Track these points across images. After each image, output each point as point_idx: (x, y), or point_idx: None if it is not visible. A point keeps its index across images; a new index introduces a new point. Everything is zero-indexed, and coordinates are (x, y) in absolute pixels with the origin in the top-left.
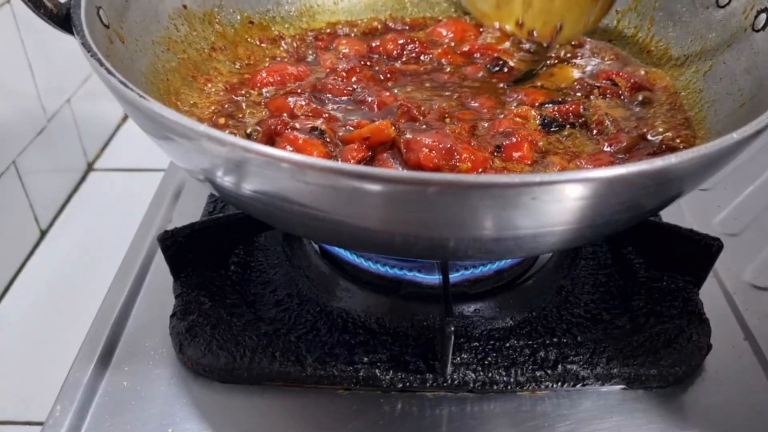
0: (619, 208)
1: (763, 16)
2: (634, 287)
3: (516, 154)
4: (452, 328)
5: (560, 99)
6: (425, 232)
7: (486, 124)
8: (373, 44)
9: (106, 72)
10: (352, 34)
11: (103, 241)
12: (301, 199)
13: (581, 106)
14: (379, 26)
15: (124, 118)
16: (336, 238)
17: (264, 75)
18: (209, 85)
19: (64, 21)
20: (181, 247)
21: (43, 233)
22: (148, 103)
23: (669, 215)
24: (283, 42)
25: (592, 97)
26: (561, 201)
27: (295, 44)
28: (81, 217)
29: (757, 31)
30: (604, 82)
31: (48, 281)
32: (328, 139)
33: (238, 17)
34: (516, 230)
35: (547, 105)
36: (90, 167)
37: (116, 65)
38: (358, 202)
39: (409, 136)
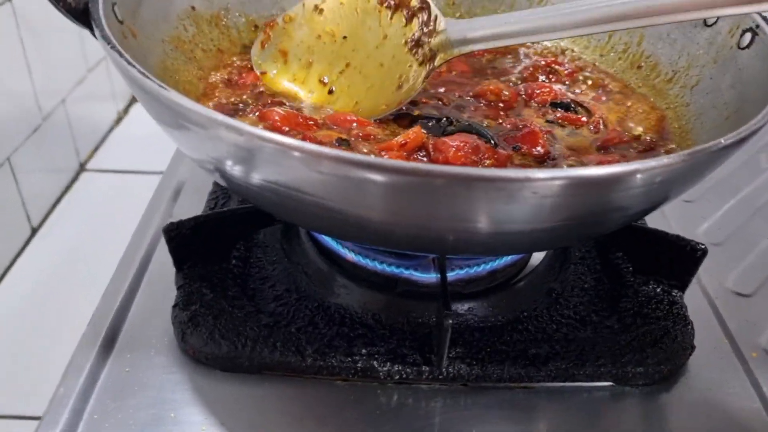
0: (612, 206)
1: (748, 35)
2: (621, 290)
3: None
4: (450, 321)
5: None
6: (428, 224)
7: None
8: None
9: (126, 63)
10: None
11: (93, 240)
12: (311, 189)
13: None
14: None
15: (117, 121)
16: (340, 229)
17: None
18: (215, 91)
19: (81, 14)
20: (184, 239)
21: (34, 231)
22: (168, 93)
23: (655, 224)
24: None
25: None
26: (561, 196)
27: None
28: (72, 217)
29: (742, 48)
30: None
31: (38, 279)
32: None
33: (243, 20)
34: (514, 225)
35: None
36: (82, 167)
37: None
38: (368, 192)
39: (437, 138)
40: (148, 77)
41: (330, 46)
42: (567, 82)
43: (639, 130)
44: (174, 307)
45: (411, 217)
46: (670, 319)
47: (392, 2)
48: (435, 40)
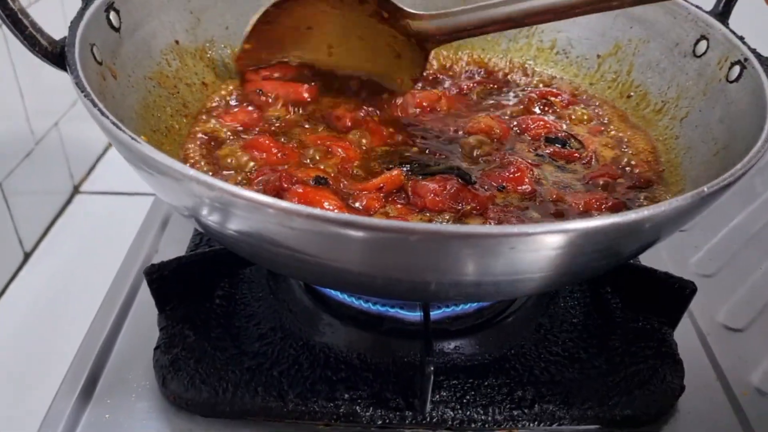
0: (595, 256)
1: (737, 68)
2: (610, 327)
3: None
4: (432, 368)
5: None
6: (407, 277)
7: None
8: None
9: (99, 113)
10: None
11: (88, 265)
12: (286, 243)
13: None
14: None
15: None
16: (320, 278)
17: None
18: (197, 126)
19: (58, 58)
20: (166, 281)
21: (27, 256)
22: (140, 146)
23: (647, 255)
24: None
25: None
26: (539, 251)
27: None
28: (66, 240)
29: (731, 82)
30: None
31: (31, 305)
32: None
33: (229, 52)
34: (495, 276)
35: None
36: (76, 190)
37: (108, 102)
38: (343, 247)
39: (416, 181)
40: (120, 128)
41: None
42: (561, 113)
43: (631, 163)
44: (156, 349)
45: (388, 270)
46: (659, 358)
47: None
48: (414, 23)
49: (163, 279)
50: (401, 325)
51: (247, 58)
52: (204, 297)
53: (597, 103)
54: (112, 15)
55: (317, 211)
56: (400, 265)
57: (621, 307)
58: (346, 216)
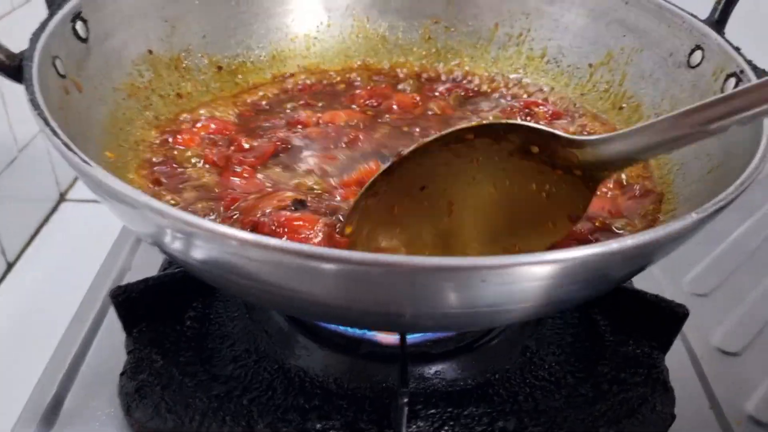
0: (576, 287)
1: (732, 80)
2: (599, 351)
3: None
4: (406, 399)
5: None
6: (378, 308)
7: None
8: None
9: (51, 132)
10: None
11: (73, 274)
12: (246, 273)
13: None
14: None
15: None
16: (289, 307)
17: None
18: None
19: (17, 72)
20: (134, 303)
21: (10, 266)
22: (91, 169)
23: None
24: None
25: None
26: (513, 283)
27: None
28: (50, 251)
29: None
30: None
31: (13, 316)
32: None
33: (206, 62)
34: (470, 308)
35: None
36: (62, 197)
37: (71, 117)
38: (306, 278)
39: None
40: (72, 150)
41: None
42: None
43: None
44: (122, 375)
45: (357, 301)
46: (649, 385)
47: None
48: (581, 152)
49: (130, 301)
50: (379, 348)
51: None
52: (174, 318)
53: (584, 118)
54: (79, 25)
55: (274, 241)
56: (369, 297)
57: (611, 331)
58: (304, 247)
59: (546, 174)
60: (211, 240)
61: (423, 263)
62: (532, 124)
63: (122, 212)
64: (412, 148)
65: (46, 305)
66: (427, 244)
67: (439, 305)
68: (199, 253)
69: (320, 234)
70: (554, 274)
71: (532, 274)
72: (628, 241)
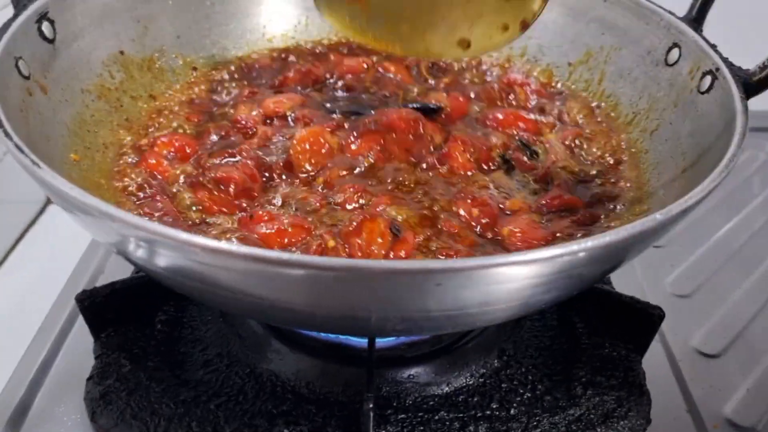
0: (539, 290)
1: (708, 78)
2: (576, 354)
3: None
4: (371, 405)
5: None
6: (342, 313)
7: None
8: None
9: (3, 134)
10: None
11: (57, 276)
12: (210, 280)
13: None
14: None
15: None
16: (256, 313)
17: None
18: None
19: None
20: (100, 307)
21: None
22: (41, 171)
23: (620, 273)
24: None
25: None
26: (469, 287)
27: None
28: (36, 251)
29: (702, 93)
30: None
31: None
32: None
33: (180, 62)
34: (430, 312)
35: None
36: (49, 199)
37: (32, 118)
38: (266, 283)
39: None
40: (23, 151)
41: None
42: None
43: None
44: (88, 380)
45: (320, 306)
46: (625, 389)
47: None
48: None
49: (96, 305)
50: (351, 351)
51: None
52: (144, 322)
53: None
54: (45, 26)
55: (219, 245)
56: (331, 302)
57: (587, 333)
58: (256, 251)
59: None
60: (171, 248)
61: (378, 266)
62: None
63: (76, 217)
64: None
65: (28, 307)
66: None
67: (401, 309)
68: (161, 261)
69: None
70: (515, 276)
71: (490, 277)
72: (589, 243)
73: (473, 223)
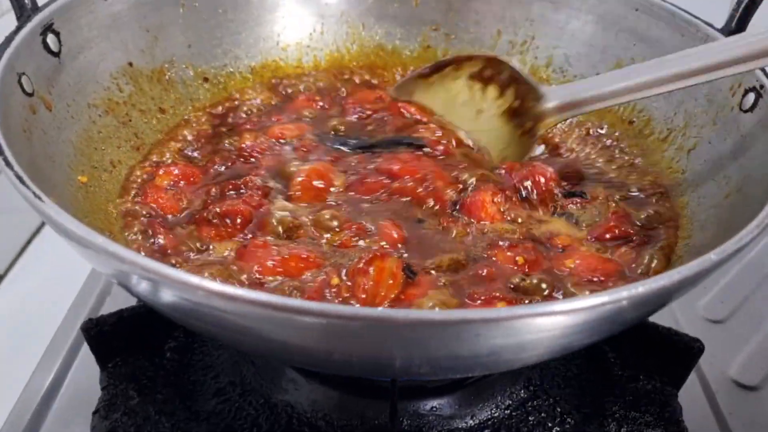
0: (581, 336)
1: (752, 95)
2: (607, 386)
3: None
4: None
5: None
6: (365, 356)
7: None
8: None
9: (3, 163)
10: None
11: (64, 294)
12: (215, 321)
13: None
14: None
15: None
16: (268, 352)
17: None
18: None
19: None
20: (107, 336)
21: (0, 278)
22: (43, 205)
23: None
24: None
25: None
26: (510, 336)
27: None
28: (39, 263)
29: (745, 111)
30: None
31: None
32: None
33: (191, 73)
34: (466, 359)
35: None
36: None
37: (36, 138)
38: (270, 327)
39: None
40: (24, 183)
41: None
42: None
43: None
44: (95, 413)
45: (341, 351)
46: (662, 426)
47: (485, 75)
48: (535, 109)
49: (103, 334)
50: (370, 382)
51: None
52: (153, 351)
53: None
54: (50, 38)
55: (223, 288)
56: (350, 348)
57: (620, 364)
58: (267, 297)
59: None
60: (175, 288)
61: (412, 317)
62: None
63: (78, 251)
64: None
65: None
66: None
67: (431, 356)
68: (166, 298)
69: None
70: (556, 325)
71: (530, 326)
72: (640, 289)
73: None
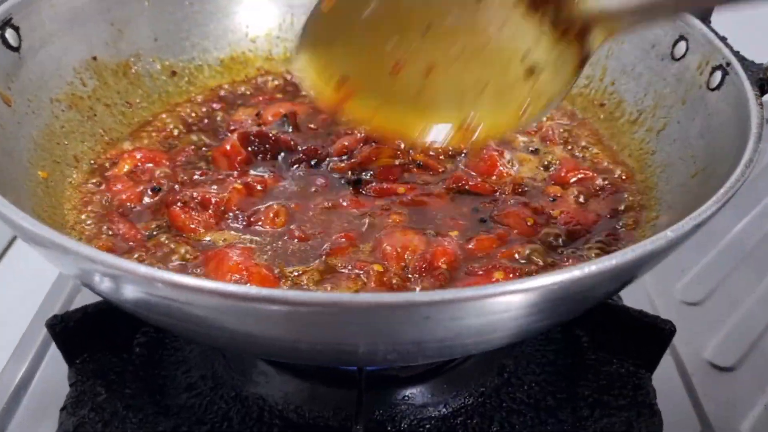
0: (539, 316)
1: (718, 73)
2: (581, 371)
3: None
4: None
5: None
6: (327, 343)
7: None
8: None
9: None
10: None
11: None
12: (178, 314)
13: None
14: None
15: None
16: (235, 345)
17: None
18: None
19: None
20: (73, 333)
21: None
22: None
23: None
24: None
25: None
26: (461, 319)
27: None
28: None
29: (712, 89)
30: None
31: None
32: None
33: (158, 66)
34: (423, 343)
35: None
36: None
37: None
38: (234, 317)
39: None
40: None
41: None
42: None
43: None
44: (62, 410)
45: (302, 339)
46: (635, 408)
47: None
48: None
49: (68, 330)
50: (341, 373)
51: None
52: (121, 346)
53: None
54: (9, 33)
55: (200, 282)
56: (311, 335)
57: (593, 348)
58: (235, 288)
59: (541, 40)
60: (135, 282)
61: (364, 300)
62: None
63: (37, 249)
64: None
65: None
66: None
67: (388, 340)
68: (126, 294)
69: None
70: (509, 306)
71: (482, 308)
72: (593, 267)
73: None
